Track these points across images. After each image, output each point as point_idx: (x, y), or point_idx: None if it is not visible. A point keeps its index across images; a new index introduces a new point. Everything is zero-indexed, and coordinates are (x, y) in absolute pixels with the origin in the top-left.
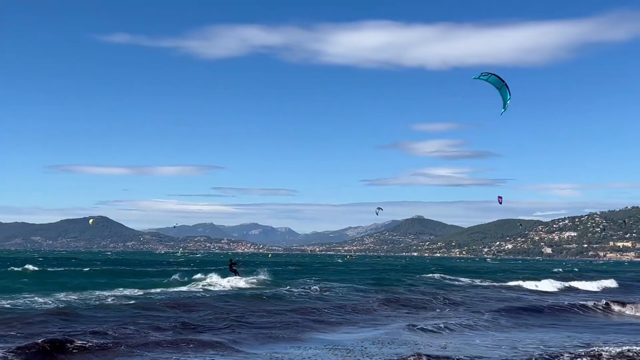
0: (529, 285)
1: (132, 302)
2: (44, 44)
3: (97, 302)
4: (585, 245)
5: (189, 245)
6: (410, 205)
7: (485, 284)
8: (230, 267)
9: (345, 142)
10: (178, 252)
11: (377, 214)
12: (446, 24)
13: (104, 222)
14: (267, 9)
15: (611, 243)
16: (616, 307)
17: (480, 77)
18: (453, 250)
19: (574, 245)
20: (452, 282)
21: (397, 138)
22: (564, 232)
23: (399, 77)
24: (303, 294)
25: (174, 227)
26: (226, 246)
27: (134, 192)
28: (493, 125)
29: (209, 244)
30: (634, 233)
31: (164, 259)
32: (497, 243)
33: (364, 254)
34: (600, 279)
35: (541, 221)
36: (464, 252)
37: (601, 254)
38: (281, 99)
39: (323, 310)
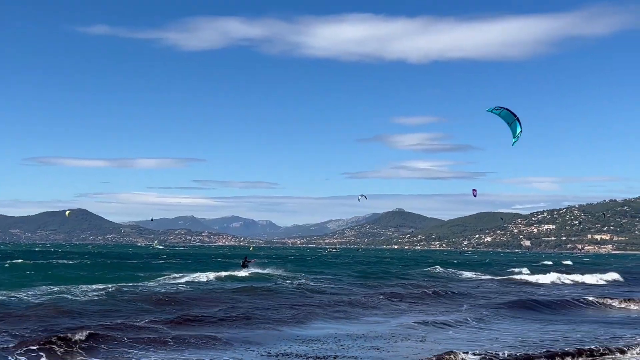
0: (534, 278)
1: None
2: (22, 35)
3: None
4: (564, 238)
5: (169, 238)
6: (391, 198)
7: (486, 277)
8: (244, 263)
9: (326, 134)
10: (153, 244)
11: (359, 200)
12: (427, 17)
13: (83, 215)
14: (248, 1)
15: (589, 236)
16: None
17: (493, 111)
18: (433, 242)
19: (553, 238)
20: (454, 276)
21: (379, 131)
22: (542, 225)
23: (380, 70)
24: (312, 287)
25: (151, 221)
26: (207, 239)
27: (113, 184)
28: (473, 118)
29: (190, 237)
30: (612, 226)
31: (145, 252)
32: (477, 236)
33: (344, 246)
34: (602, 272)
35: (520, 214)
36: (444, 245)
37: (579, 246)
38: (262, 91)
39: (330, 305)
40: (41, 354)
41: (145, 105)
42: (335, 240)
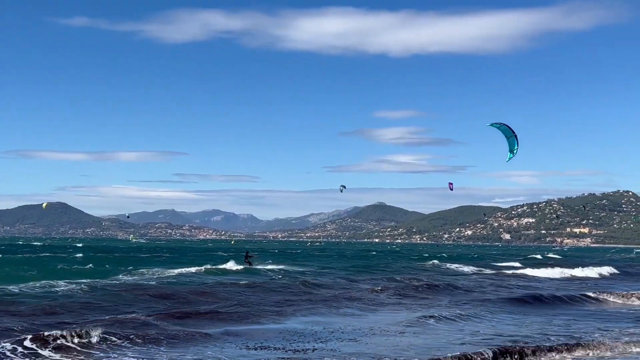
0: (534, 272)
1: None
2: (1, 27)
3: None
4: (543, 232)
5: (149, 231)
6: (372, 191)
7: (488, 271)
8: (246, 258)
9: (308, 128)
10: (130, 237)
11: (341, 191)
12: (408, 11)
13: (62, 208)
14: None
15: (568, 229)
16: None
17: (493, 125)
18: (414, 236)
19: (532, 232)
20: (452, 270)
21: (360, 125)
22: (522, 219)
23: (361, 64)
24: (315, 282)
25: (127, 217)
26: (187, 233)
27: (93, 178)
28: (454, 112)
29: (170, 231)
30: (591, 219)
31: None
32: (457, 229)
33: (326, 240)
34: (598, 266)
35: (500, 207)
36: (424, 238)
37: (558, 239)
38: (243, 85)
39: (341, 299)
40: (54, 348)
41: (126, 98)
42: (316, 234)
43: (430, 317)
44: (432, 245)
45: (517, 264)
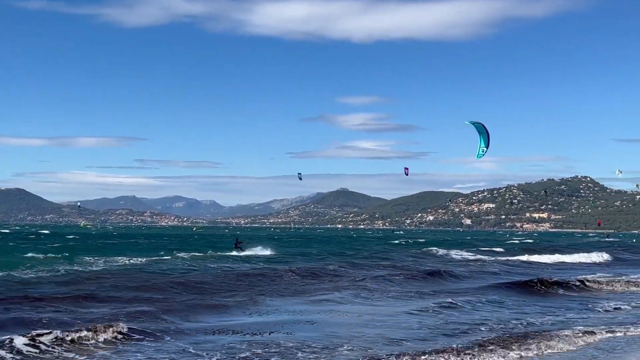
0: (537, 258)
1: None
2: None
3: None
4: (503, 217)
5: (110, 218)
6: (336, 177)
7: (490, 258)
8: (236, 245)
9: (270, 114)
10: (81, 224)
11: (300, 179)
12: None
13: (21, 195)
14: None
15: (527, 214)
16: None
17: (471, 123)
18: (377, 221)
19: (493, 217)
20: (453, 257)
21: (323, 111)
22: (482, 204)
23: (324, 50)
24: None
25: (78, 206)
26: (149, 219)
27: (52, 164)
28: (417, 99)
29: (131, 217)
30: (549, 204)
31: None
32: (419, 215)
33: (289, 226)
34: (588, 252)
35: (461, 193)
36: (387, 224)
37: (518, 224)
38: (205, 69)
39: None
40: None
41: (85, 82)
42: (279, 220)
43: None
44: (384, 231)
45: (500, 249)
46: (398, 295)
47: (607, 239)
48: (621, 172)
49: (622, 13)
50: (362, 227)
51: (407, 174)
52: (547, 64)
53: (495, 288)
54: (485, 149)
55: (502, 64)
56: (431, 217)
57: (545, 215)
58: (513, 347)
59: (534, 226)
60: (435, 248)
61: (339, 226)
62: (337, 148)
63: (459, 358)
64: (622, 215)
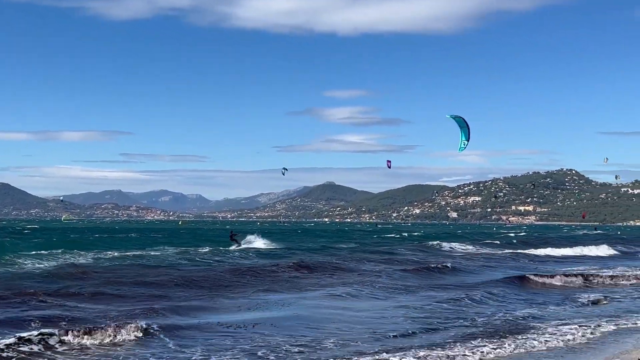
0: (551, 251)
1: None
2: None
3: None
4: (489, 210)
5: (96, 212)
6: (322, 171)
7: (506, 251)
8: (231, 237)
9: (257, 107)
10: (62, 217)
11: (283, 174)
12: None
13: (5, 189)
14: None
15: (513, 207)
16: None
17: (452, 117)
18: (363, 215)
19: (479, 210)
20: (452, 249)
21: (309, 104)
22: (469, 197)
23: (310, 43)
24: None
25: (61, 200)
26: (135, 213)
27: (37, 158)
28: (403, 92)
29: (117, 212)
30: (535, 197)
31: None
32: (406, 208)
33: (275, 220)
34: (597, 245)
35: (447, 186)
36: (373, 217)
37: (504, 217)
38: (190, 63)
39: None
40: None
41: (69, 76)
42: (266, 214)
43: None
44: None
45: (497, 242)
46: (413, 290)
47: (595, 232)
48: (607, 159)
49: (608, 6)
50: (349, 220)
51: (389, 167)
52: (533, 58)
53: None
54: (466, 142)
55: (488, 57)
56: (417, 211)
57: (530, 208)
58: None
59: (520, 219)
60: (438, 242)
61: (326, 220)
62: (323, 142)
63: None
64: (607, 207)
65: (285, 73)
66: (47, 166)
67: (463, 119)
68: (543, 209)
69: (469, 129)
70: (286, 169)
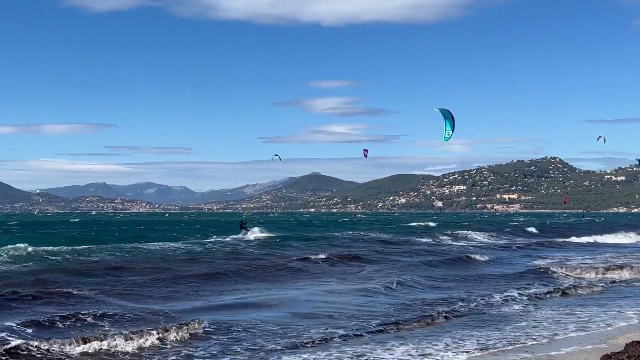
0: (586, 239)
1: None
2: None
3: None
4: (474, 198)
5: (80, 205)
6: (308, 162)
7: (547, 239)
8: (241, 225)
9: (241, 98)
10: (35, 211)
11: (272, 159)
12: None
13: None
14: None
15: (498, 195)
16: None
17: (437, 109)
18: (349, 205)
19: (464, 199)
20: (481, 241)
21: (295, 95)
22: (454, 186)
23: (295, 33)
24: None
25: (37, 193)
26: (120, 206)
27: (21, 151)
28: (387, 82)
29: (102, 204)
30: (519, 185)
31: None
32: (391, 197)
33: (262, 211)
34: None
35: (432, 175)
36: (359, 207)
37: (489, 206)
38: (174, 54)
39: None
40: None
41: (53, 69)
42: (251, 205)
43: None
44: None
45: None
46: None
47: (583, 219)
48: (601, 137)
49: None
50: (335, 210)
51: (366, 156)
52: (517, 46)
53: None
54: (451, 132)
55: (472, 46)
56: (403, 200)
57: (515, 196)
58: None
59: (505, 207)
60: (465, 231)
61: (312, 210)
62: (309, 132)
63: None
64: (590, 195)
65: (270, 64)
66: (31, 159)
67: (448, 111)
68: (527, 197)
69: (453, 119)
70: (277, 156)
